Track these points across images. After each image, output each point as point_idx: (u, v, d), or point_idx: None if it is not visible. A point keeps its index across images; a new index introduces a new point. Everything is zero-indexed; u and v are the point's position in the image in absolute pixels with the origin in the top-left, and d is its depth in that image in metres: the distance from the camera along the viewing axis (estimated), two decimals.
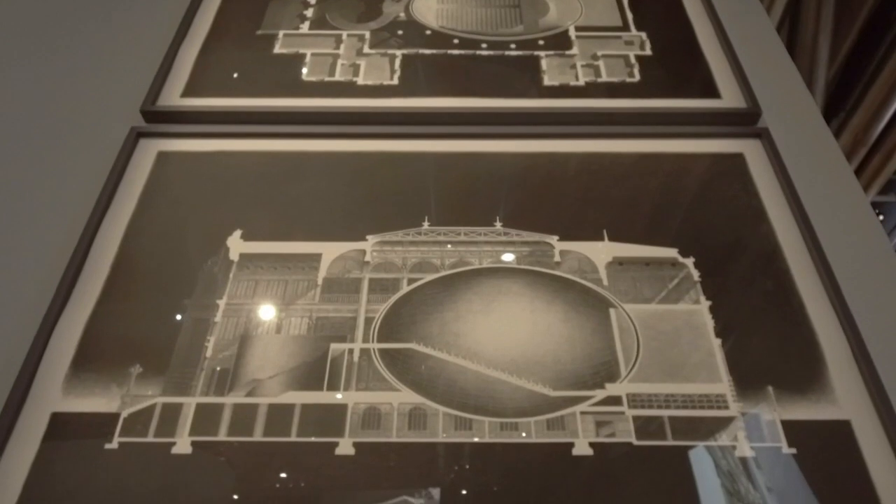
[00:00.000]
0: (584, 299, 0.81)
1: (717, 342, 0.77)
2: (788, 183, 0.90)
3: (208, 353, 0.76)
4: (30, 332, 0.76)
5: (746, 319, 0.79)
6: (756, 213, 0.89)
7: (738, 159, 0.96)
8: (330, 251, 0.86)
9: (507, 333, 0.78)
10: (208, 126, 1.00)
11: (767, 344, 0.76)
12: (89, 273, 0.82)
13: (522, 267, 0.84)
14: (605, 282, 0.82)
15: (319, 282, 0.83)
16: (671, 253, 0.85)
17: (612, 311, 0.80)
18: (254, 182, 0.93)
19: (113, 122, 1.00)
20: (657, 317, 0.79)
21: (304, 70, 1.07)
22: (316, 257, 0.85)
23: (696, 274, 0.83)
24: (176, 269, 0.84)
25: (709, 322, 0.78)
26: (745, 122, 1.00)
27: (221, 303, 0.81)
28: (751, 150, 0.96)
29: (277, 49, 1.12)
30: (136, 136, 0.97)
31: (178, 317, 0.79)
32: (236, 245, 0.86)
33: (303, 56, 1.10)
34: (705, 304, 0.80)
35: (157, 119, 1.00)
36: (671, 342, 0.77)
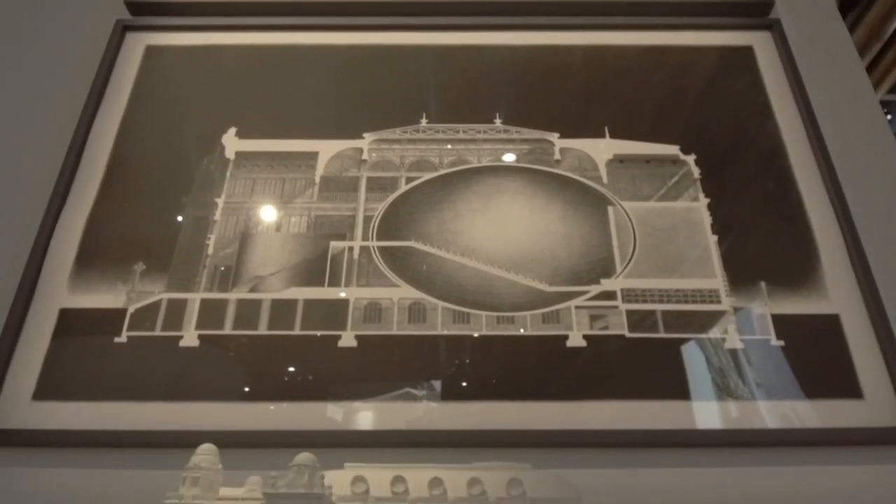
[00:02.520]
0: (582, 197, 0.81)
1: (713, 239, 0.77)
2: (797, 78, 0.88)
3: (210, 251, 0.77)
4: (31, 232, 0.77)
5: (744, 217, 0.79)
6: (762, 110, 0.87)
7: (746, 52, 0.92)
8: (327, 149, 0.84)
9: (505, 231, 0.78)
10: (196, 18, 0.95)
11: (763, 241, 0.77)
12: (85, 172, 0.82)
13: (521, 165, 0.84)
14: (605, 179, 0.82)
15: (317, 180, 0.82)
16: (672, 150, 0.84)
17: (610, 208, 0.80)
18: (246, 77, 0.91)
19: (97, 15, 0.95)
20: (655, 214, 0.79)
21: None
22: (313, 155, 0.84)
23: (696, 171, 0.82)
24: (172, 167, 0.83)
25: (706, 219, 0.79)
26: (756, 12, 0.96)
27: (220, 201, 0.80)
28: (760, 43, 0.93)
29: None
30: (123, 29, 0.93)
31: (178, 215, 0.79)
32: (231, 143, 0.85)
33: None
34: (704, 202, 0.80)
35: (144, 11, 0.96)
36: (668, 239, 0.77)
